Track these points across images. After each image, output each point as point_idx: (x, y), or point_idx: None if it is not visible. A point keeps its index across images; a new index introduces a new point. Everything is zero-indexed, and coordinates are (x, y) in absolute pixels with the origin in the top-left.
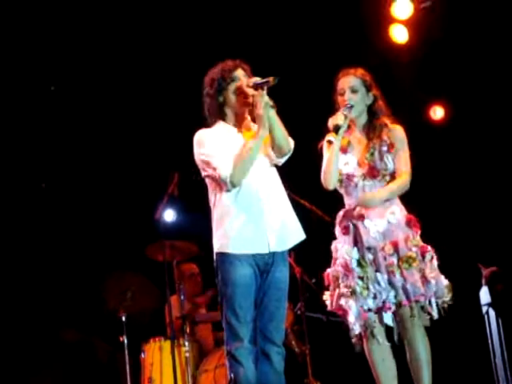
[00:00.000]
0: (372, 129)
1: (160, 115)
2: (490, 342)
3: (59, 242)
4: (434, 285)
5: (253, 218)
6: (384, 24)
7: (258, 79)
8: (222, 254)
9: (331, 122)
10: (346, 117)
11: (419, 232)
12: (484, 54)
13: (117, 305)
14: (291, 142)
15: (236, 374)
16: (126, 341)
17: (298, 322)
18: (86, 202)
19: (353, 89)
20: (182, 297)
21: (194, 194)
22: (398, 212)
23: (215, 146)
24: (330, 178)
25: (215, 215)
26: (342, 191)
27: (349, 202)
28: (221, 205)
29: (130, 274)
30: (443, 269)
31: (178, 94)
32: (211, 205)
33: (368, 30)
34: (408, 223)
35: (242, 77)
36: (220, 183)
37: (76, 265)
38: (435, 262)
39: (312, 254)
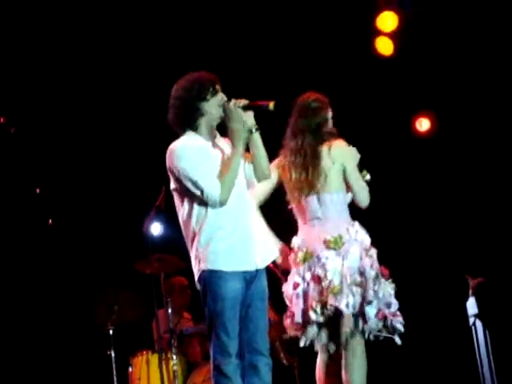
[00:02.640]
0: None
1: (145, 129)
2: (477, 353)
3: (48, 258)
4: None
5: (241, 235)
6: (369, 36)
7: (245, 101)
8: (211, 271)
9: None
10: None
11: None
12: (470, 65)
13: (104, 319)
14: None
15: None
16: (113, 354)
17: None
18: (73, 217)
19: None
20: (170, 310)
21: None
22: None
23: (198, 162)
24: None
25: (200, 232)
26: None
27: None
28: (206, 222)
29: (116, 288)
30: (431, 280)
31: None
32: (190, 220)
33: (353, 42)
34: None
35: (220, 92)
36: (207, 202)
37: (64, 280)
38: None
39: None
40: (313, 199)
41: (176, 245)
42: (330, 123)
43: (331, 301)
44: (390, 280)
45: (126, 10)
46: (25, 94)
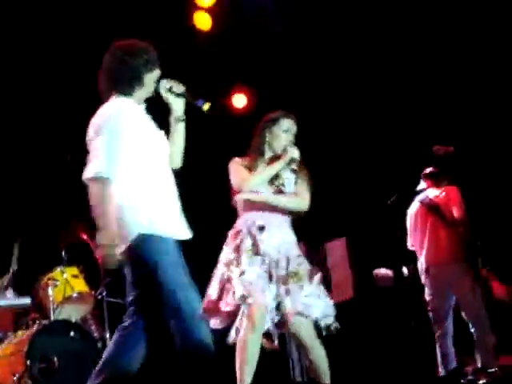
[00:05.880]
0: None
1: None
2: None
3: None
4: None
5: (171, 205)
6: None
7: (183, 88)
8: (145, 236)
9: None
10: None
11: None
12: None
13: None
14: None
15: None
16: None
17: (99, 307)
18: None
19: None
20: None
21: None
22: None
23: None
24: None
25: (125, 196)
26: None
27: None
28: (134, 185)
29: None
30: None
31: None
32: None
33: (172, 16)
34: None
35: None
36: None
37: None
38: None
39: None
40: None
41: None
42: None
43: None
44: None
45: None
46: None
